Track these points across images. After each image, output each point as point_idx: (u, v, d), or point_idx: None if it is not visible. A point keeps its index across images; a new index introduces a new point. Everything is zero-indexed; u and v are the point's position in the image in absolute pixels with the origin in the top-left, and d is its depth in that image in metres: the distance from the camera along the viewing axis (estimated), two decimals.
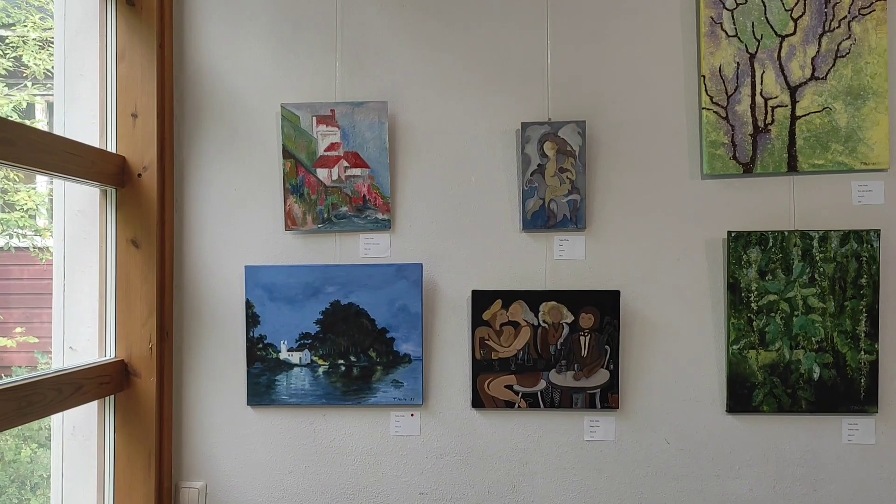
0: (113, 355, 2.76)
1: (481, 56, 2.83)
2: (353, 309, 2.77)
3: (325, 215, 2.80)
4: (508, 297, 2.75)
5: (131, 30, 2.77)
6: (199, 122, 2.88)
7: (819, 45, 2.71)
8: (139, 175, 2.75)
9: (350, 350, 2.78)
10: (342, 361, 2.78)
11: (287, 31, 2.87)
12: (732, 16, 2.73)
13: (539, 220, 2.77)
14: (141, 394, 2.74)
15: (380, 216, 2.80)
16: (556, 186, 2.76)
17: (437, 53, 2.84)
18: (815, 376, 2.69)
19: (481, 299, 2.75)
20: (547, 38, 2.81)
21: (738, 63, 2.73)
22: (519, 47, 2.82)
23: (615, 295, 2.73)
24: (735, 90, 2.73)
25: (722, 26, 2.73)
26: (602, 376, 2.74)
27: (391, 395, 2.78)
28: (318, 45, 2.85)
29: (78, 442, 2.77)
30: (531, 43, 2.81)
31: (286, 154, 2.81)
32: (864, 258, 2.66)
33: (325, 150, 2.80)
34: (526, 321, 2.75)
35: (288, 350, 2.79)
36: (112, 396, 2.75)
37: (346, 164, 2.80)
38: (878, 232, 2.66)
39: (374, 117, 2.79)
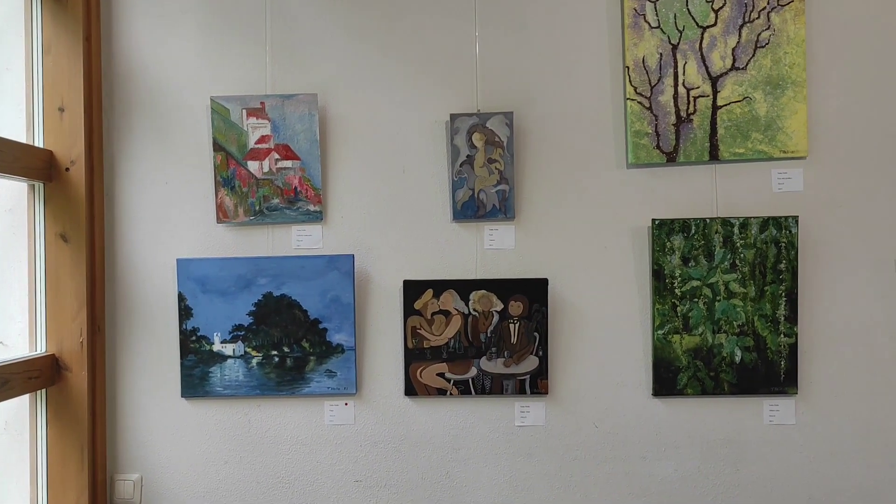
0: (43, 350, 2.67)
1: (411, 48, 2.77)
2: (285, 300, 2.71)
3: (257, 207, 2.73)
4: (439, 286, 2.71)
5: (57, 23, 2.67)
6: (128, 116, 2.79)
7: (739, 35, 2.69)
8: (67, 169, 2.66)
9: (283, 341, 2.72)
10: (276, 352, 2.72)
11: (217, 23, 2.78)
12: (655, 7, 2.70)
13: (469, 210, 2.73)
14: (72, 388, 2.66)
15: (311, 208, 2.74)
16: (485, 177, 2.72)
17: (368, 45, 2.77)
18: (737, 359, 2.68)
19: (413, 289, 2.71)
20: (475, 30, 2.76)
21: (661, 54, 2.71)
22: (448, 39, 2.76)
23: (543, 283, 2.70)
24: (658, 81, 2.71)
25: (645, 18, 2.70)
26: (531, 363, 2.72)
27: (325, 384, 2.73)
28: (248, 37, 2.77)
29: (10, 437, 2.69)
30: (460, 35, 2.75)
31: (217, 147, 2.73)
32: (783, 244, 2.66)
33: (255, 143, 2.72)
34: (457, 310, 2.71)
35: (221, 342, 2.72)
36: (43, 391, 2.66)
37: (276, 156, 2.73)
38: (796, 218, 2.65)
39: (304, 109, 2.72)
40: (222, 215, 2.73)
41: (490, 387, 2.71)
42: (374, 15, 2.77)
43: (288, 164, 2.73)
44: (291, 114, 2.72)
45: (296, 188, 2.73)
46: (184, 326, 2.71)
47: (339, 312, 2.70)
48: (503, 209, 2.71)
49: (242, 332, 2.71)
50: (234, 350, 2.71)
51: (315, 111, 2.71)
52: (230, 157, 2.72)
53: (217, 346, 2.71)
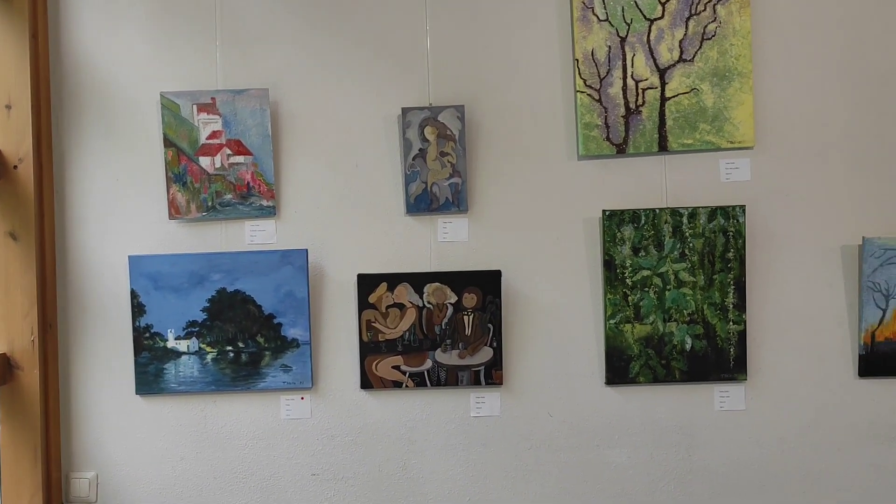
0: None
1: (362, 41, 2.75)
2: (239, 296, 2.69)
3: (210, 203, 2.71)
4: (393, 279, 2.70)
5: (3, 19, 2.61)
6: (77, 112, 2.75)
7: (686, 28, 2.71)
8: (15, 167, 2.61)
9: (238, 336, 2.70)
10: (230, 348, 2.70)
11: (165, 18, 2.74)
12: (603, 1, 2.71)
13: (422, 203, 2.73)
14: (24, 387, 2.62)
15: (264, 203, 2.72)
16: (437, 170, 2.72)
17: (319, 39, 2.75)
18: (688, 347, 2.71)
19: (367, 282, 2.70)
20: (426, 24, 2.75)
21: (609, 47, 2.71)
22: (399, 33, 2.74)
23: (496, 275, 2.70)
24: (607, 73, 2.72)
25: (593, 11, 2.70)
26: (486, 354, 2.73)
27: (280, 379, 2.71)
28: (198, 32, 2.73)
29: None
30: (411, 28, 2.74)
31: (167, 143, 2.70)
32: (731, 233, 2.69)
33: (206, 139, 2.69)
34: (411, 303, 2.71)
35: (175, 338, 2.69)
36: None
37: (228, 151, 2.70)
38: (743, 207, 2.68)
39: (255, 104, 2.69)
40: (174, 211, 2.70)
41: (445, 378, 2.72)
42: (326, 9, 2.74)
43: (240, 159, 2.70)
44: (243, 109, 2.69)
45: (248, 183, 2.71)
46: (137, 324, 2.68)
47: (293, 307, 2.69)
48: (456, 202, 2.71)
49: (196, 329, 2.68)
50: (188, 346, 2.69)
51: (266, 106, 2.69)
52: (181, 152, 2.70)
53: (171, 343, 2.69)
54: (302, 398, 2.74)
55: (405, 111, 2.70)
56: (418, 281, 2.70)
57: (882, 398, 2.72)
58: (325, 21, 2.75)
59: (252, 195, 2.71)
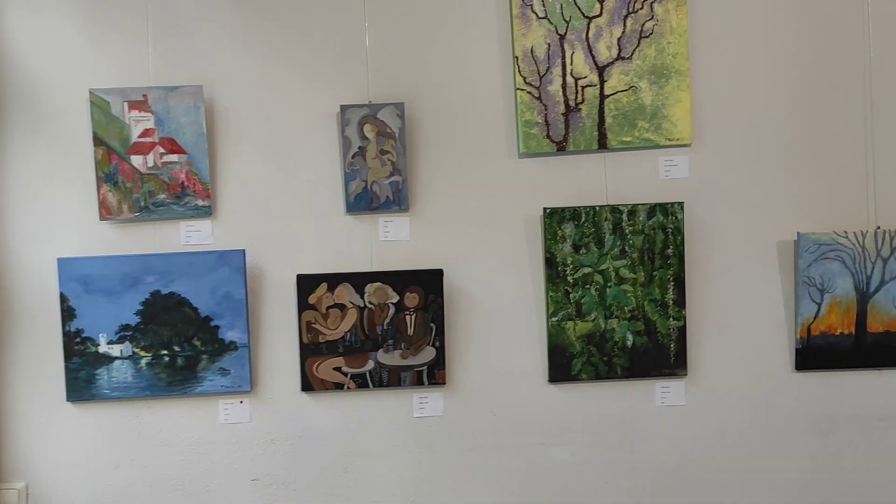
0: None
1: (301, 37, 2.69)
2: (174, 298, 2.60)
3: (142, 203, 2.62)
4: (334, 279, 2.64)
5: None
6: (3, 110, 2.62)
7: (624, 25, 2.70)
8: None
9: (173, 340, 2.61)
10: (166, 352, 2.61)
11: (95, 12, 2.64)
12: None
13: (362, 202, 2.68)
14: None
15: (200, 203, 2.64)
16: (377, 168, 2.67)
17: (256, 35, 2.68)
18: (629, 343, 2.71)
19: (306, 283, 2.63)
20: (365, 20, 2.70)
21: (548, 44, 2.70)
22: (338, 29, 2.69)
23: (438, 274, 2.66)
24: (547, 70, 2.70)
25: (532, 8, 2.68)
26: (428, 353, 2.68)
27: (218, 383, 2.63)
28: (129, 27, 2.64)
29: None
30: (350, 24, 2.69)
31: (98, 141, 2.60)
32: (670, 230, 2.69)
33: (138, 137, 2.60)
34: (352, 303, 2.65)
35: (108, 343, 2.59)
36: None
37: (161, 150, 2.61)
38: (681, 204, 2.68)
39: (189, 102, 2.61)
40: (105, 212, 2.60)
41: (388, 379, 2.67)
42: (263, 4, 2.67)
43: (174, 158, 2.62)
44: (176, 106, 2.61)
45: (183, 183, 2.62)
46: (67, 328, 2.57)
47: (231, 309, 2.61)
48: (397, 200, 2.67)
49: (130, 333, 2.59)
50: (121, 351, 2.59)
51: (201, 103, 2.61)
52: (112, 151, 2.60)
53: (103, 348, 2.59)
54: (241, 402, 2.66)
55: (344, 108, 2.65)
56: (359, 281, 2.64)
57: (818, 391, 2.75)
58: (262, 16, 2.68)
59: (187, 195, 2.63)
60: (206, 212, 2.64)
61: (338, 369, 2.66)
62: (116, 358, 2.60)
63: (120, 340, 2.59)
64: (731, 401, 2.74)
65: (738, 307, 2.74)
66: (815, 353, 2.73)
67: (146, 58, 2.64)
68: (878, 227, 2.71)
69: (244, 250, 2.61)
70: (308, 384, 2.66)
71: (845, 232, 2.69)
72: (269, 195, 2.68)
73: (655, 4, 2.69)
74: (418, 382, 2.68)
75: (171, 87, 2.61)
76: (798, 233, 2.68)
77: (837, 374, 2.74)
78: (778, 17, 2.75)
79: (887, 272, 2.70)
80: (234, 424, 2.67)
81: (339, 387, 2.66)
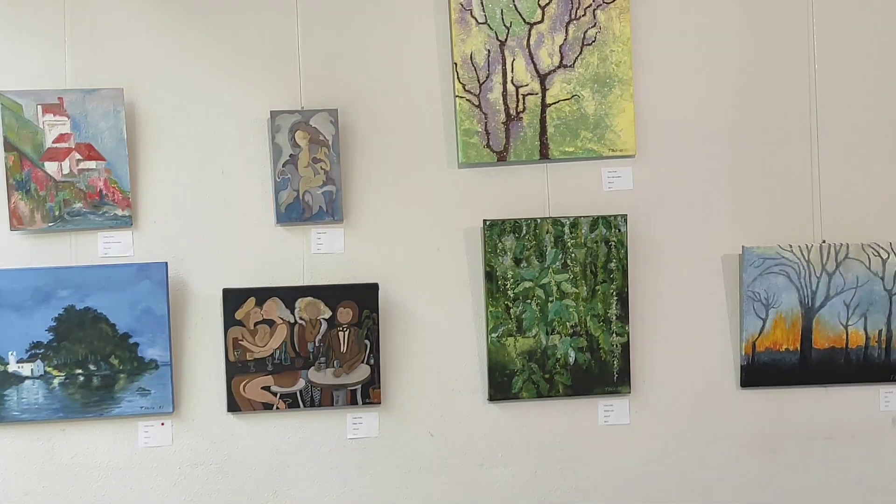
0: None
1: (230, 39, 2.56)
2: (90, 314, 2.44)
3: (57, 213, 2.44)
4: (262, 294, 2.49)
5: None
6: None
7: (566, 33, 2.61)
8: None
9: (89, 358, 2.44)
10: (80, 371, 2.43)
11: (7, 9, 2.48)
12: (482, 3, 2.57)
13: (294, 212, 2.54)
14: None
15: (119, 212, 2.48)
16: (310, 177, 2.54)
17: (182, 36, 2.55)
18: (571, 360, 2.60)
19: (233, 298, 2.48)
20: (298, 22, 2.57)
21: (488, 50, 2.59)
22: (269, 31, 2.57)
23: (373, 288, 2.53)
24: (487, 78, 2.59)
25: (472, 13, 2.57)
26: (363, 372, 2.55)
27: (137, 404, 2.46)
28: (45, 26, 2.49)
29: None
30: (282, 26, 2.56)
31: (8, 147, 2.42)
32: (613, 243, 2.60)
33: (53, 142, 2.43)
34: (282, 319, 2.51)
35: (17, 362, 2.41)
36: None
37: (78, 156, 2.45)
38: (625, 217, 2.59)
39: (108, 105, 2.45)
40: (16, 222, 2.42)
41: (319, 399, 2.52)
42: (190, 4, 2.54)
43: (91, 164, 2.46)
44: (94, 110, 2.45)
45: (101, 191, 2.46)
46: None
47: (151, 325, 2.45)
48: (330, 211, 2.54)
49: (42, 350, 2.41)
50: (32, 370, 2.41)
51: (121, 107, 2.45)
52: (24, 157, 2.42)
53: (12, 367, 2.40)
54: (162, 424, 2.50)
55: (274, 114, 2.51)
56: (289, 295, 2.50)
57: (764, 409, 2.68)
58: (188, 17, 2.54)
59: (105, 204, 2.47)
60: (127, 222, 2.48)
61: (266, 389, 2.50)
62: (27, 377, 2.41)
63: (31, 359, 2.41)
64: (676, 419, 2.66)
65: (683, 322, 2.66)
66: (760, 370, 2.65)
67: (62, 59, 2.48)
68: (824, 241, 2.65)
69: (166, 263, 2.46)
70: (235, 405, 2.49)
71: (790, 246, 2.62)
72: (194, 205, 2.53)
73: (598, 11, 2.61)
74: (352, 402, 2.54)
75: (88, 90, 2.45)
76: (743, 246, 2.61)
77: (783, 390, 2.67)
78: (723, 27, 2.69)
79: (833, 287, 2.65)
80: (154, 448, 2.50)
81: (267, 407, 2.50)
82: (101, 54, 2.51)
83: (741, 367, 2.66)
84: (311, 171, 2.53)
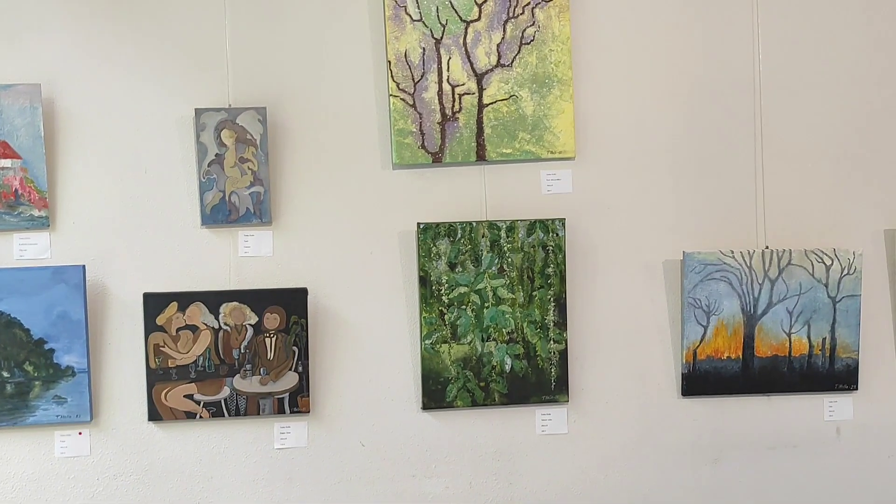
0: None
1: (154, 34, 2.45)
2: (3, 318, 2.32)
3: None
4: (185, 298, 2.39)
5: None
6: None
7: (504, 31, 2.52)
8: None
9: (2, 365, 2.32)
10: None
11: None
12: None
13: (220, 214, 2.43)
14: None
15: (36, 213, 2.36)
16: (236, 178, 2.43)
17: (103, 30, 2.44)
18: (507, 368, 2.51)
19: (154, 302, 2.37)
20: (226, 16, 2.46)
21: (423, 48, 2.50)
22: (195, 24, 2.47)
23: (302, 293, 2.43)
24: (422, 77, 2.50)
25: (406, 10, 2.48)
26: (290, 379, 2.44)
27: (53, 412, 2.35)
28: None
29: None
30: (209, 20, 2.46)
31: None
32: (551, 247, 2.51)
33: None
34: (205, 324, 2.40)
35: None
36: None
37: None
38: (563, 221, 2.51)
39: (25, 101, 2.34)
40: None
41: (245, 408, 2.42)
42: None
43: (7, 163, 2.34)
44: (10, 106, 2.33)
45: (17, 191, 2.34)
46: None
47: (68, 330, 2.34)
48: (258, 213, 2.44)
49: None
50: None
51: (38, 103, 2.34)
52: None
53: None
54: (79, 433, 2.38)
55: (199, 112, 2.40)
56: (213, 300, 2.40)
57: (705, 418, 2.60)
58: (110, 10, 2.44)
59: (21, 204, 2.35)
60: (44, 223, 2.36)
61: (189, 397, 2.40)
62: None
63: None
64: (616, 428, 2.57)
65: (623, 329, 2.58)
66: (701, 378, 2.57)
67: None
68: (767, 247, 2.59)
69: (84, 266, 2.35)
70: (156, 413, 2.39)
71: (732, 251, 2.55)
72: (115, 205, 2.42)
73: (537, 10, 2.52)
74: (279, 411, 2.43)
75: (3, 86, 2.33)
76: (683, 252, 2.53)
77: (725, 399, 2.60)
78: (666, 29, 2.62)
79: (775, 294, 2.57)
80: (71, 458, 2.38)
81: (190, 416, 2.40)
82: (18, 49, 2.39)
83: (682, 375, 2.58)
84: (237, 171, 2.42)
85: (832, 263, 2.58)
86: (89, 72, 2.42)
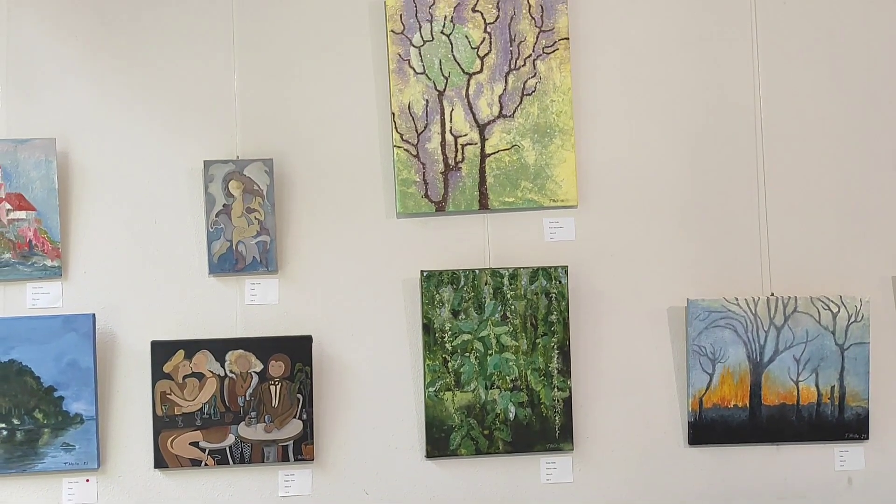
0: None
1: (164, 90, 2.53)
2: (14, 366, 2.36)
3: None
4: (192, 346, 2.41)
5: None
6: None
7: (506, 82, 2.56)
8: None
9: (12, 412, 2.36)
10: (3, 425, 2.35)
11: None
12: (420, 53, 2.54)
13: (227, 263, 2.47)
14: None
15: (49, 263, 2.42)
16: (243, 227, 2.47)
17: (116, 86, 2.52)
18: (511, 416, 2.50)
19: (161, 350, 2.40)
20: (235, 73, 2.54)
21: (427, 100, 2.55)
22: (205, 79, 2.55)
23: (307, 340, 2.45)
24: (425, 128, 2.54)
25: (410, 63, 2.54)
26: (295, 427, 2.45)
27: (62, 459, 2.37)
28: None
29: None
30: (218, 75, 2.54)
31: None
32: (554, 295, 2.52)
33: None
34: (211, 372, 2.43)
35: None
36: None
37: (8, 206, 2.40)
38: (565, 268, 2.51)
39: (40, 155, 2.41)
40: None
41: (250, 455, 2.43)
42: (123, 55, 2.52)
43: (21, 215, 2.41)
44: (26, 160, 2.41)
45: (30, 241, 2.41)
46: None
47: (77, 378, 2.37)
48: (264, 261, 2.47)
49: None
50: None
51: (53, 157, 2.41)
52: None
53: None
54: (87, 480, 2.40)
55: (207, 164, 2.46)
56: (219, 347, 2.42)
57: (713, 467, 2.56)
58: (123, 66, 2.52)
59: (35, 254, 2.41)
60: (56, 272, 2.42)
61: (195, 444, 2.41)
62: None
63: None
64: (621, 477, 2.54)
65: (628, 377, 2.56)
66: (708, 427, 2.54)
67: None
68: (772, 294, 2.57)
69: (94, 314, 2.39)
70: (162, 461, 2.40)
71: (736, 298, 2.53)
72: (126, 255, 2.48)
73: (538, 62, 2.56)
74: (283, 458, 2.44)
75: (20, 140, 2.41)
76: (687, 299, 2.52)
77: (732, 448, 2.56)
78: (666, 78, 2.65)
79: (782, 341, 2.55)
80: None
81: (195, 463, 2.41)
82: (35, 104, 2.48)
83: (688, 423, 2.55)
84: (244, 220, 2.47)
85: (839, 310, 2.55)
86: (103, 126, 2.50)
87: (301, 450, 2.45)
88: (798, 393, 2.56)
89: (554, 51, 2.57)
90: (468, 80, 2.56)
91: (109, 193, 2.49)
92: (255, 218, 2.48)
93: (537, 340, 2.51)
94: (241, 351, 2.44)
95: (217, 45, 2.54)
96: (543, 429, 2.51)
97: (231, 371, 2.43)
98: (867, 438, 2.57)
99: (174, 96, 2.53)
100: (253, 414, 2.44)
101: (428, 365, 2.49)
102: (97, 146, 2.49)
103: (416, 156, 2.54)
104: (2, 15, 2.50)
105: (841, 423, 2.57)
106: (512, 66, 2.56)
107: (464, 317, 2.50)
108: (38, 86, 2.49)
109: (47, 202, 2.42)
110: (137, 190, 2.50)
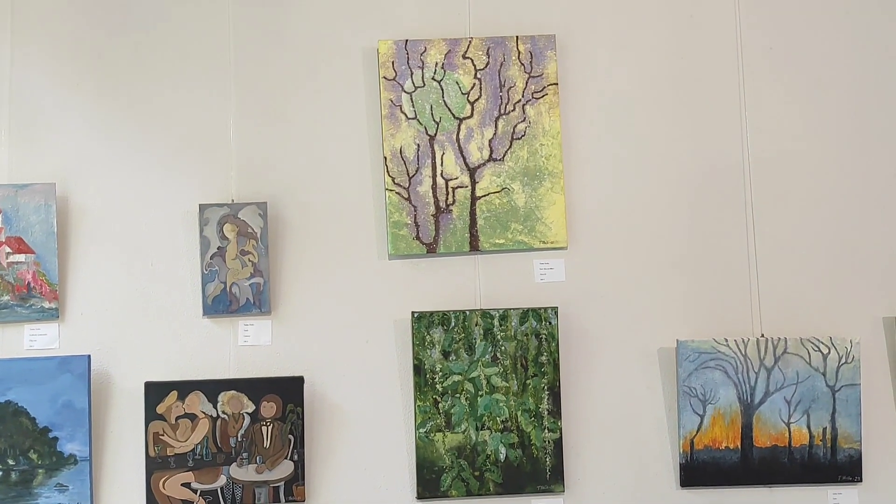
0: None
1: (161, 136, 2.59)
2: (10, 407, 2.39)
3: None
4: (185, 387, 2.44)
5: None
6: None
7: (496, 127, 2.60)
8: None
9: (7, 453, 2.38)
10: None
11: None
12: (411, 98, 2.59)
13: (221, 304, 2.50)
14: None
15: (46, 305, 2.46)
16: (237, 269, 2.51)
17: (114, 133, 2.59)
18: (502, 457, 2.49)
19: (155, 391, 2.43)
20: (231, 117, 2.60)
21: (418, 145, 2.59)
22: (201, 126, 2.60)
23: (298, 381, 2.46)
24: (416, 171, 2.58)
25: (401, 108, 2.58)
26: (286, 468, 2.46)
27: (55, 500, 2.38)
28: None
29: None
30: (214, 121, 2.59)
31: None
32: (544, 335, 2.53)
33: None
34: (204, 412, 2.44)
35: None
36: None
37: (8, 249, 2.45)
38: (555, 309, 2.53)
39: (40, 200, 2.47)
40: None
41: (241, 496, 2.43)
42: (121, 100, 2.59)
43: (21, 258, 2.45)
44: (25, 204, 2.46)
45: (29, 283, 2.45)
46: None
47: (71, 419, 2.40)
48: (258, 303, 2.50)
49: None
50: None
51: (52, 201, 2.46)
52: None
53: None
54: None
55: (203, 208, 2.50)
56: (212, 388, 2.44)
57: None
58: (121, 113, 2.59)
59: (33, 296, 2.45)
60: (53, 314, 2.46)
61: (186, 485, 2.42)
62: None
63: None
64: None
65: (619, 418, 2.56)
66: (699, 469, 2.52)
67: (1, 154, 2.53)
68: (762, 335, 2.57)
69: (89, 356, 2.42)
70: (154, 502, 2.41)
71: (726, 340, 2.53)
72: (122, 297, 2.52)
73: (527, 106, 2.60)
74: (275, 499, 2.44)
75: (21, 185, 2.47)
76: (677, 340, 2.53)
77: (725, 490, 2.54)
78: (654, 121, 2.68)
79: (772, 383, 2.54)
80: None
81: None
82: (35, 150, 2.54)
83: (680, 465, 2.53)
84: (238, 263, 2.50)
85: (829, 352, 2.54)
86: (101, 170, 2.56)
87: (292, 491, 2.45)
88: (790, 434, 2.54)
89: (543, 96, 2.61)
90: (459, 125, 2.60)
91: (107, 236, 2.53)
92: (249, 260, 2.51)
93: (528, 381, 2.52)
94: (233, 392, 2.46)
95: (213, 91, 2.60)
96: (534, 470, 2.51)
97: (223, 412, 2.45)
98: (861, 481, 2.55)
99: (171, 141, 2.58)
100: (244, 455, 2.45)
101: (419, 406, 2.50)
102: (96, 189, 2.54)
103: (408, 198, 2.57)
104: (4, 62, 2.58)
105: (834, 465, 2.55)
106: (502, 111, 2.61)
107: (454, 358, 2.52)
108: (39, 131, 2.55)
109: (46, 245, 2.47)
110: (134, 233, 2.54)
